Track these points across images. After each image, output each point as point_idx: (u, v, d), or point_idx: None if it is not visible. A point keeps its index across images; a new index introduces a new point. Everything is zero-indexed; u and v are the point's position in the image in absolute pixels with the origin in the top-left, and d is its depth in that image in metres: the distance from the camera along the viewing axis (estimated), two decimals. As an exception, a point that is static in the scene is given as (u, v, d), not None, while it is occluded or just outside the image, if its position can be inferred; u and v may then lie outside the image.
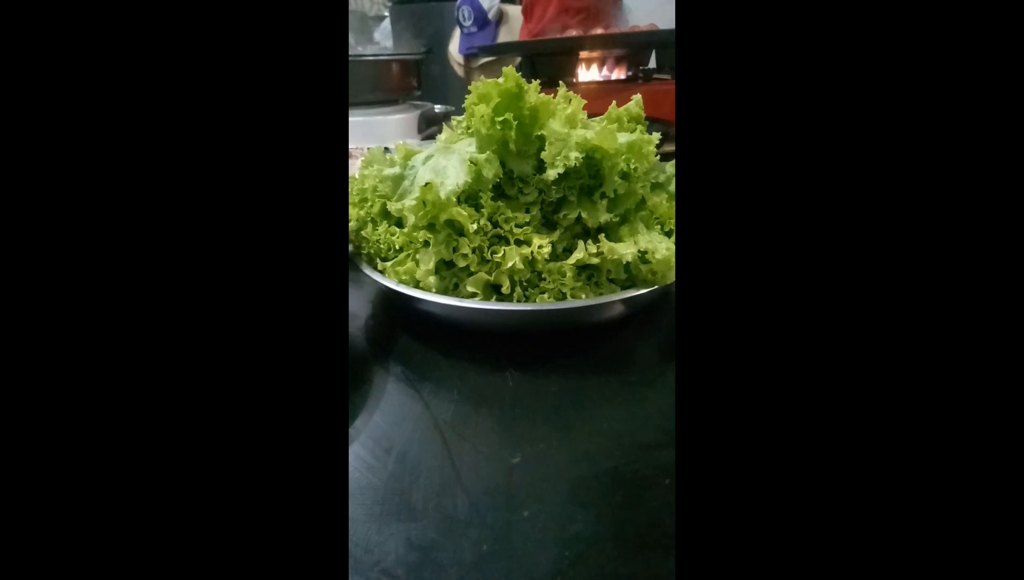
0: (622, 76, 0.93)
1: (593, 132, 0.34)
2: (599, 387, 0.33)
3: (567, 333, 0.37)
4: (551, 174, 0.34)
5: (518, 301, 0.35)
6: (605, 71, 0.96)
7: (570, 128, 0.38)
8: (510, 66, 0.34)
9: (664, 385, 0.33)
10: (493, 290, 0.35)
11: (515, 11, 1.88)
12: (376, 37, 2.86)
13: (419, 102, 1.13)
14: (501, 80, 0.34)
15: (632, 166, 0.35)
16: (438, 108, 1.19)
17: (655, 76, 0.92)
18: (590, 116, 0.87)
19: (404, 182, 0.38)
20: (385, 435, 0.29)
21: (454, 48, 2.02)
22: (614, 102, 0.41)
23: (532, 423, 0.30)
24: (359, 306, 0.44)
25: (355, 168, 0.70)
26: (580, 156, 0.33)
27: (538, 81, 0.38)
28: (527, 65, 0.96)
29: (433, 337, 0.38)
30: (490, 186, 0.35)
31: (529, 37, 1.71)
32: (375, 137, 0.92)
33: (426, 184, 0.33)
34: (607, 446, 0.28)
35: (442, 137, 0.44)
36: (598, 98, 0.91)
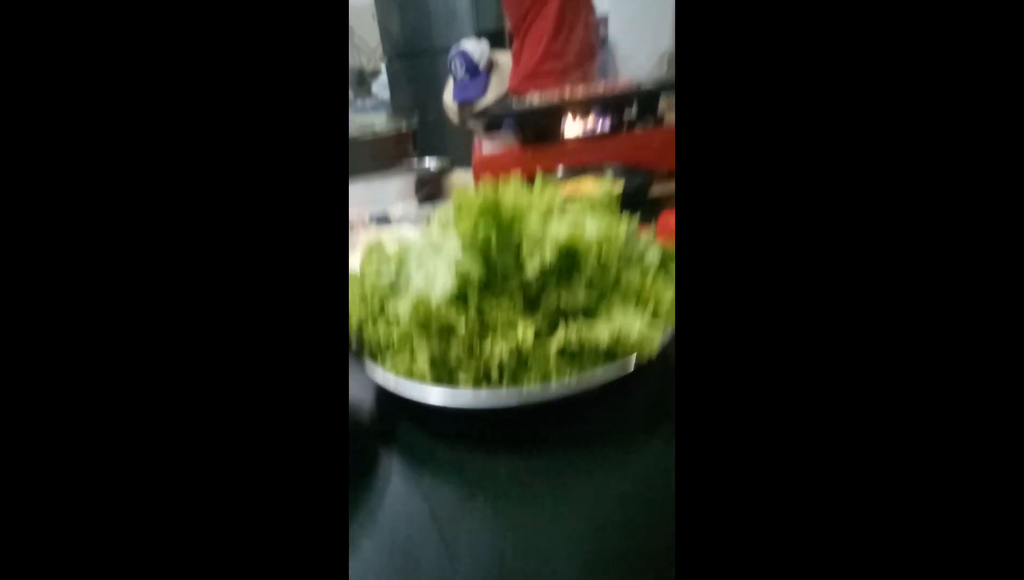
0: (606, 128, 0.98)
1: (567, 227, 0.38)
2: (587, 464, 0.35)
3: (552, 413, 0.40)
4: (529, 270, 0.37)
5: (507, 385, 0.38)
6: (590, 124, 1.00)
7: (547, 219, 0.41)
8: (486, 180, 0.38)
9: (647, 455, 0.36)
10: (484, 377, 0.38)
11: (505, 58, 1.97)
12: (374, 90, 2.99)
13: (414, 163, 1.18)
14: (478, 194, 0.37)
15: (603, 256, 0.38)
16: (432, 164, 1.25)
17: (636, 126, 0.96)
18: (578, 166, 0.91)
19: (398, 282, 0.41)
20: (387, 533, 0.32)
21: (448, 97, 2.11)
22: (590, 183, 0.44)
23: (524, 509, 0.33)
24: (364, 394, 0.47)
25: (354, 239, 0.75)
26: (554, 254, 0.37)
27: (519, 179, 0.42)
28: (515, 124, 1.01)
29: (432, 424, 0.41)
30: (476, 285, 0.38)
31: (516, 82, 1.78)
32: (375, 201, 0.98)
33: (418, 298, 0.36)
34: (597, 527, 0.30)
35: (434, 225, 0.48)
36: (584, 150, 0.96)
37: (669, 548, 0.28)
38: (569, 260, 0.39)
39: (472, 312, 0.38)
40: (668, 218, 0.66)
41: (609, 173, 0.87)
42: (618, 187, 0.84)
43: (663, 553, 0.29)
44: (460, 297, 0.38)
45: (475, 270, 0.38)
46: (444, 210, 0.49)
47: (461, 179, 1.22)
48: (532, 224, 0.38)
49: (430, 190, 1.08)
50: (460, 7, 2.65)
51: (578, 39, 1.61)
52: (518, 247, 0.38)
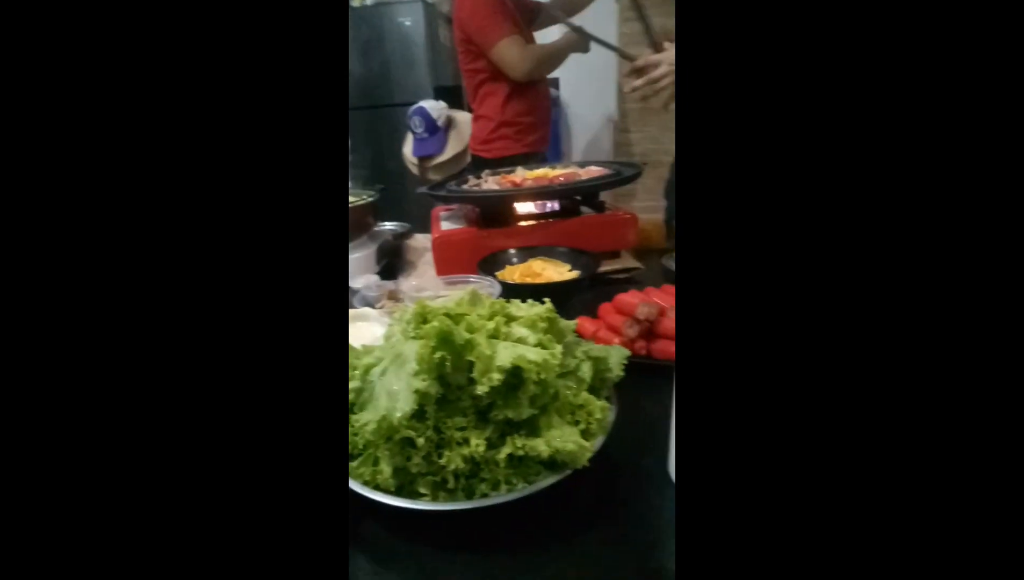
0: (556, 207, 1.08)
1: (511, 351, 0.44)
2: (537, 561, 0.41)
3: (503, 514, 0.45)
4: (479, 390, 0.43)
5: (462, 491, 0.44)
6: (541, 205, 1.10)
7: (495, 339, 0.48)
8: (441, 315, 0.44)
9: (588, 548, 0.42)
10: (442, 484, 0.44)
11: (463, 116, 2.08)
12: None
13: (375, 230, 1.24)
14: (436, 323, 0.44)
15: (542, 376, 0.45)
16: (393, 229, 1.31)
17: (581, 208, 1.07)
18: (530, 247, 0.98)
19: (364, 394, 0.47)
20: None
21: (408, 151, 2.19)
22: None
23: (476, 610, 0.38)
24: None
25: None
26: (501, 376, 0.43)
27: (473, 296, 0.48)
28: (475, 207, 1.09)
29: (394, 526, 0.45)
30: (433, 401, 0.44)
31: (474, 145, 1.89)
32: (337, 275, 1.02)
33: (382, 416, 0.41)
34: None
35: (391, 331, 0.54)
36: (536, 231, 1.04)
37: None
38: (514, 379, 0.46)
39: (430, 426, 0.44)
40: (607, 310, 0.74)
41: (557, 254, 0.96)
42: (565, 268, 0.93)
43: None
44: (419, 412, 0.44)
45: (432, 388, 0.44)
46: (403, 316, 0.55)
47: (421, 242, 1.28)
48: (482, 348, 0.45)
49: (391, 260, 1.13)
50: (418, 63, 2.78)
51: (531, 102, 1.73)
52: (469, 367, 0.45)
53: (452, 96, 2.43)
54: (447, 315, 0.48)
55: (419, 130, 2.15)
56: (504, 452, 0.44)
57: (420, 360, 0.44)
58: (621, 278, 1.00)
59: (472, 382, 0.45)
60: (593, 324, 0.73)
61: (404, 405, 0.42)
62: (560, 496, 0.47)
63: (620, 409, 0.51)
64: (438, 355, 0.43)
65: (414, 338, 0.47)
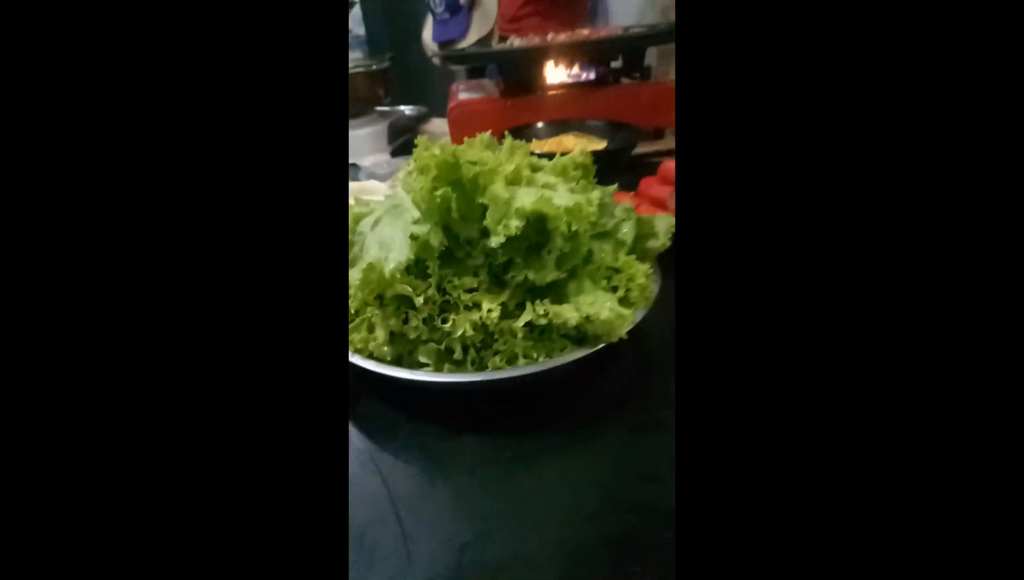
0: (591, 77, 0.92)
1: (535, 195, 0.35)
2: (553, 446, 0.34)
3: (519, 393, 0.38)
4: (494, 241, 0.34)
5: (472, 364, 0.36)
6: (575, 70, 0.94)
7: (514, 185, 0.38)
8: (443, 141, 0.34)
9: (612, 437, 0.35)
10: (447, 354, 0.36)
11: (488, -8, 1.83)
12: (349, 25, 2.78)
13: (388, 108, 1.11)
14: (438, 151, 0.34)
15: (574, 227, 0.35)
16: (409, 111, 1.18)
17: (623, 78, 0.91)
18: (561, 120, 0.86)
19: (354, 249, 0.38)
20: (343, 517, 0.30)
21: (428, 36, 1.97)
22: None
23: (486, 493, 0.31)
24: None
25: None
26: (520, 223, 0.34)
27: (486, 139, 0.38)
28: (496, 68, 0.94)
29: (393, 400, 0.39)
30: (436, 254, 0.35)
31: (500, 25, 1.67)
32: (344, 153, 0.92)
33: (369, 265, 0.33)
34: (557, 515, 0.30)
35: (394, 190, 0.44)
36: (566, 103, 0.90)
37: (631, 538, 0.27)
38: (537, 232, 0.36)
39: (433, 285, 0.35)
40: (651, 184, 0.63)
41: (591, 130, 0.83)
42: (600, 145, 0.80)
43: (624, 541, 0.28)
44: (418, 268, 0.36)
45: (434, 238, 0.35)
46: (410, 166, 0.45)
47: (439, 127, 1.15)
48: (497, 189, 0.35)
49: (405, 140, 1.02)
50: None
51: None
52: (483, 214, 0.35)
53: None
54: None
55: (439, 10, 1.91)
56: (523, 320, 0.35)
57: (419, 200, 0.34)
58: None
59: (485, 234, 0.35)
60: (633, 200, 0.62)
61: (398, 254, 0.34)
62: (588, 374, 0.40)
63: (665, 285, 0.42)
64: (440, 193, 0.34)
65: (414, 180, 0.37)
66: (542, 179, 0.39)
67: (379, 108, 1.04)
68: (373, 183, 0.72)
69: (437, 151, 0.34)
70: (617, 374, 0.40)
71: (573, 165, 0.40)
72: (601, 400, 0.38)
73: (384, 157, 0.86)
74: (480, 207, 0.35)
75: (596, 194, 0.37)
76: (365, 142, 0.92)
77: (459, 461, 0.34)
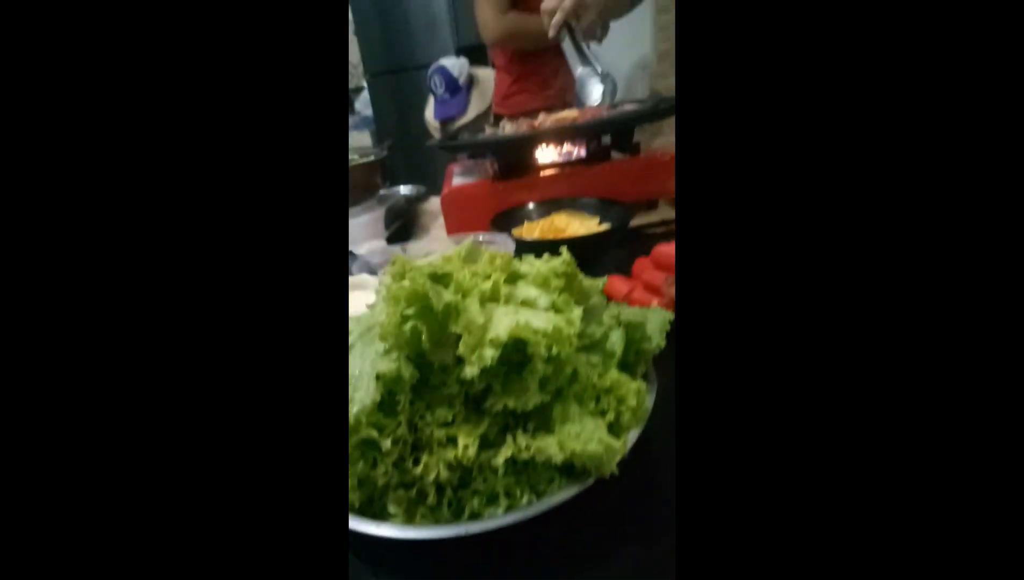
0: (582, 154, 0.93)
1: (511, 320, 0.32)
2: (541, 608, 0.30)
3: (503, 542, 0.34)
4: (468, 372, 0.32)
5: (448, 506, 0.33)
6: (565, 149, 0.95)
7: (494, 300, 0.36)
8: (398, 257, 0.32)
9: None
10: (419, 498, 0.33)
11: (486, 73, 1.92)
12: (356, 107, 2.95)
13: (385, 192, 1.13)
14: (407, 283, 0.32)
15: (554, 351, 0.32)
16: (406, 190, 1.20)
17: (612, 153, 0.91)
18: (552, 200, 0.85)
19: (323, 378, 0.36)
20: None
21: (430, 114, 2.06)
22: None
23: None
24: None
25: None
26: (496, 353, 0.31)
27: (469, 250, 0.37)
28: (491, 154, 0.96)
29: (360, 552, 0.35)
30: (408, 387, 0.33)
31: (495, 102, 1.74)
32: (342, 241, 0.92)
33: (330, 409, 0.30)
34: None
35: (377, 302, 0.43)
36: (559, 180, 0.90)
37: None
38: (518, 352, 0.34)
39: (403, 423, 0.32)
40: (644, 266, 0.61)
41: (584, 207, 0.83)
42: (592, 222, 0.79)
43: None
44: (389, 400, 0.33)
45: (405, 371, 0.32)
46: (387, 280, 0.44)
47: (437, 206, 1.17)
48: (471, 316, 0.33)
49: (402, 224, 1.03)
50: (440, 22, 2.61)
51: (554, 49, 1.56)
52: (456, 340, 0.33)
53: (477, 55, 2.27)
54: (432, 275, 0.36)
55: (440, 91, 2.01)
56: (503, 455, 0.32)
57: (388, 333, 0.32)
58: (660, 233, 0.85)
59: (461, 360, 0.33)
60: (627, 284, 0.60)
61: (364, 397, 0.31)
62: (580, 513, 0.36)
63: (662, 389, 0.38)
64: (410, 326, 0.32)
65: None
66: (522, 293, 0.37)
67: (376, 195, 1.06)
68: (364, 277, 0.71)
69: (407, 282, 0.32)
70: (617, 506, 0.36)
71: (555, 274, 0.38)
72: (599, 541, 0.34)
73: (380, 244, 0.86)
74: (454, 336, 0.33)
75: (578, 314, 0.35)
76: (361, 229, 0.93)
77: (435, 629, 0.30)
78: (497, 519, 0.30)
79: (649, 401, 0.37)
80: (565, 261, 0.39)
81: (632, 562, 0.32)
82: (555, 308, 0.36)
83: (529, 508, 0.31)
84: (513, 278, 0.40)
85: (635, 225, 0.83)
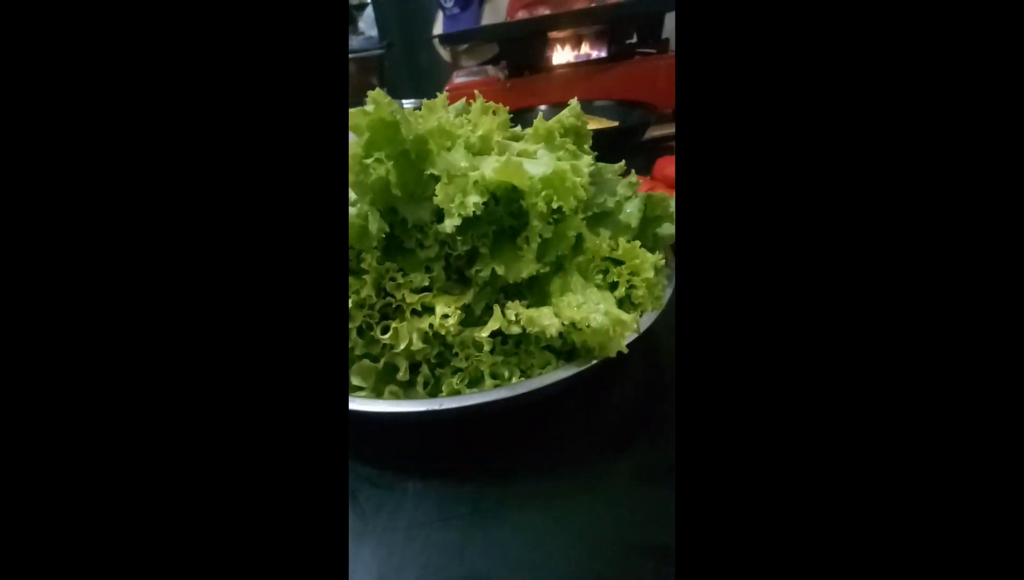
0: (602, 54, 0.83)
1: (503, 163, 0.26)
2: (524, 501, 0.25)
3: (485, 425, 0.29)
4: (448, 225, 0.26)
5: (425, 385, 0.28)
6: (583, 49, 0.85)
7: (483, 153, 0.29)
8: (376, 89, 0.26)
9: (613, 485, 0.26)
10: (389, 372, 0.28)
11: (499, -14, 1.76)
12: (361, 27, 2.76)
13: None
14: (370, 107, 0.25)
15: (555, 204, 0.26)
16: (409, 104, 1.11)
17: (637, 51, 0.81)
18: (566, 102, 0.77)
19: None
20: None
21: (439, 31, 1.92)
22: (540, 115, 0.32)
23: (424, 569, 0.23)
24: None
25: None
26: (480, 200, 0.25)
27: (442, 103, 0.30)
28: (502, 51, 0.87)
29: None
30: (374, 243, 0.27)
31: (510, 14, 1.60)
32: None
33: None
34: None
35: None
36: (573, 81, 0.81)
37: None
38: (510, 214, 0.28)
39: (369, 283, 0.27)
40: (667, 164, 0.53)
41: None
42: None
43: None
44: (354, 262, 0.27)
45: (372, 223, 0.26)
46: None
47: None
48: (452, 157, 0.27)
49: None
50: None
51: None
52: (433, 195, 0.27)
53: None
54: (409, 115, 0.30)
55: (449, 5, 1.86)
56: (489, 328, 0.27)
57: (353, 173, 0.26)
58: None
59: (441, 218, 0.27)
60: (646, 183, 0.53)
61: (319, 244, 0.25)
62: (578, 398, 0.31)
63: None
64: (376, 164, 0.25)
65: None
66: (519, 148, 0.31)
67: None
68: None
69: (370, 108, 0.26)
70: (616, 400, 0.31)
71: (561, 129, 0.32)
72: (593, 436, 0.29)
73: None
74: (431, 181, 0.27)
75: (587, 161, 0.28)
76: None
77: (395, 518, 0.25)
78: (478, 395, 0.25)
79: (667, 285, 0.31)
80: (573, 112, 0.32)
81: (634, 466, 0.27)
82: (557, 161, 0.29)
83: (517, 388, 0.26)
84: (513, 138, 0.33)
85: (655, 136, 0.75)
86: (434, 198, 0.26)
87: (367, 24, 2.71)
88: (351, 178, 0.26)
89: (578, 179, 0.26)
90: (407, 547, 0.24)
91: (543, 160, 0.28)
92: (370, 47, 0.91)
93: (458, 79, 0.84)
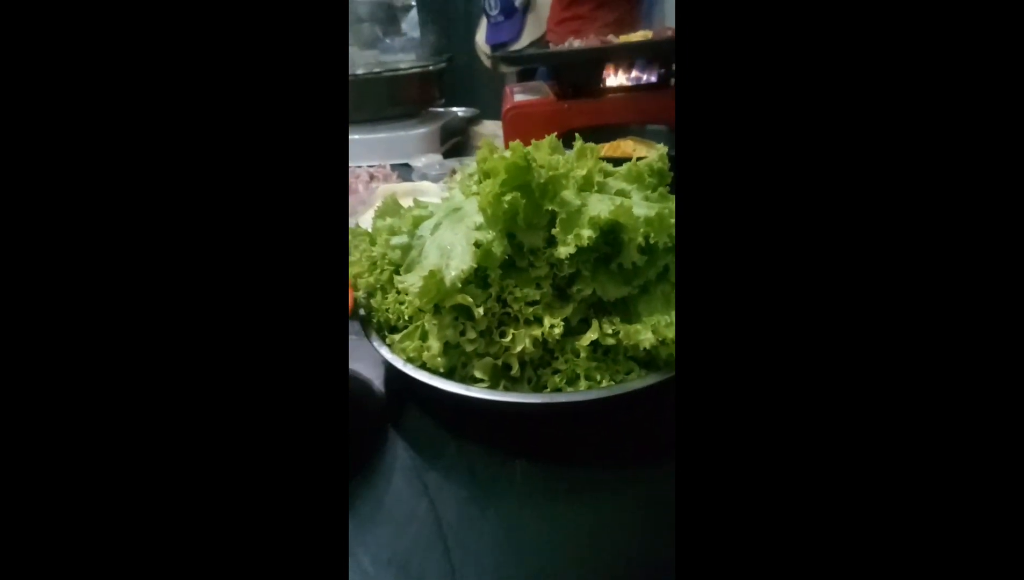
0: (652, 79, 0.88)
1: (610, 204, 0.32)
2: (611, 482, 0.31)
3: (579, 419, 0.35)
4: (562, 252, 0.31)
5: (529, 382, 0.33)
6: (634, 74, 0.90)
7: (586, 190, 0.35)
8: (516, 141, 0.31)
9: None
10: (503, 370, 0.34)
11: (544, -5, 1.81)
12: (404, 28, 2.83)
13: (441, 109, 1.10)
14: (508, 153, 0.31)
15: (652, 241, 0.32)
16: (461, 112, 1.17)
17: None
18: (619, 125, 0.82)
19: (412, 252, 0.36)
20: (388, 542, 0.28)
21: (481, 39, 1.97)
22: (634, 158, 0.37)
23: (539, 529, 0.29)
24: (371, 371, 0.43)
25: (378, 191, 0.69)
26: (594, 234, 0.31)
27: (554, 142, 0.36)
28: (551, 73, 0.92)
29: (442, 415, 0.37)
30: (499, 263, 0.33)
31: (548, 28, 1.64)
32: (397, 153, 0.91)
33: (430, 272, 0.31)
34: (618, 554, 0.26)
35: (454, 189, 0.42)
36: (627, 104, 0.87)
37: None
38: (608, 243, 0.33)
39: (493, 296, 0.33)
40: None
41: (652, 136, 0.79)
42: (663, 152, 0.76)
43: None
44: (479, 277, 0.33)
45: (498, 246, 0.32)
46: (470, 168, 0.43)
47: (490, 129, 1.14)
48: (568, 196, 0.32)
49: (456, 142, 1.01)
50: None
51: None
52: (550, 221, 0.32)
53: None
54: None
55: (494, 12, 1.91)
56: (588, 338, 0.32)
57: (484, 205, 0.32)
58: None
59: (551, 243, 0.33)
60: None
61: (460, 262, 0.31)
62: (656, 403, 0.36)
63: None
64: (508, 199, 0.31)
65: (479, 187, 0.35)
66: (615, 185, 0.36)
67: (431, 109, 1.03)
68: (426, 184, 0.71)
69: (508, 153, 0.31)
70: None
71: (649, 171, 0.37)
72: (668, 433, 0.35)
73: (436, 158, 0.85)
74: (548, 214, 0.33)
75: (672, 204, 0.34)
76: (418, 143, 0.91)
77: (509, 489, 0.31)
78: (577, 394, 0.31)
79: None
80: (660, 157, 0.38)
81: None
82: (649, 201, 0.35)
83: (614, 388, 0.31)
84: (605, 173, 0.39)
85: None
86: (552, 230, 0.32)
87: (410, 26, 2.79)
88: (488, 211, 0.32)
89: (671, 220, 0.32)
90: (520, 512, 0.30)
91: (640, 202, 0.33)
92: (432, 63, 0.97)
93: (517, 97, 0.89)
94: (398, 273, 0.37)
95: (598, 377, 0.33)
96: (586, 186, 0.35)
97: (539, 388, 0.33)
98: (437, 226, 0.36)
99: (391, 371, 0.43)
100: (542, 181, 0.31)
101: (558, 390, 0.32)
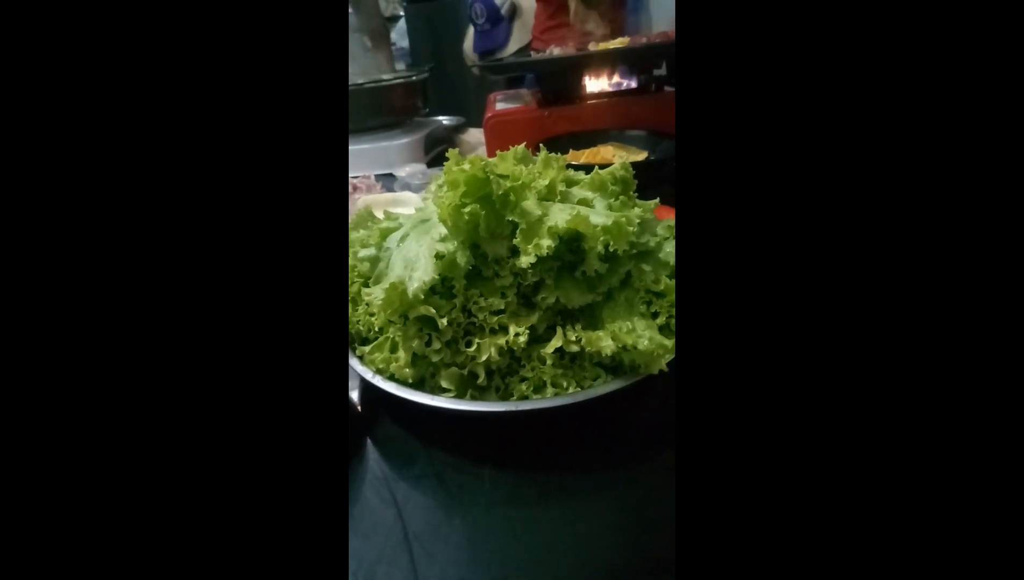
0: (632, 84, 0.89)
1: (569, 213, 0.32)
2: (580, 487, 0.31)
3: (545, 425, 0.35)
4: (523, 261, 0.32)
5: (496, 391, 0.34)
6: (615, 78, 0.91)
7: (548, 199, 0.36)
8: (475, 154, 0.32)
9: (646, 483, 0.31)
10: (470, 379, 0.34)
11: (528, 3, 1.82)
12: (393, 37, 2.84)
13: (426, 119, 1.11)
14: (467, 166, 0.32)
15: (612, 248, 0.32)
16: (447, 121, 1.18)
17: (665, 86, 0.87)
18: (602, 130, 0.83)
19: (380, 264, 0.37)
20: (354, 552, 0.29)
21: (469, 46, 1.98)
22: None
23: (505, 536, 0.29)
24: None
25: (359, 202, 0.70)
26: (552, 244, 0.31)
27: (521, 152, 0.36)
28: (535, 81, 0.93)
29: (413, 425, 0.37)
30: (463, 273, 0.33)
31: (533, 36, 1.66)
32: (381, 163, 0.92)
33: (391, 284, 0.31)
34: (581, 569, 0.27)
35: (425, 204, 0.43)
36: (607, 110, 0.87)
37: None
38: (571, 251, 0.34)
39: (458, 306, 0.33)
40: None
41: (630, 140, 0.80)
42: (640, 156, 0.76)
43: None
44: (444, 287, 0.34)
45: (461, 256, 0.33)
46: (440, 179, 0.44)
47: (476, 137, 1.15)
48: (529, 206, 0.33)
49: (441, 150, 1.01)
50: (485, -55, 2.46)
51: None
52: (513, 232, 0.33)
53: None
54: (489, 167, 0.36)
55: (480, 20, 1.92)
56: (553, 345, 0.33)
57: (445, 217, 0.32)
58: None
59: (515, 253, 0.33)
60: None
61: (423, 274, 0.32)
62: (622, 408, 0.37)
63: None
64: (469, 210, 0.32)
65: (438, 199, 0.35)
66: (578, 194, 0.37)
67: (417, 118, 1.04)
68: (407, 194, 0.71)
69: (467, 165, 0.32)
70: (655, 409, 0.37)
71: (612, 179, 0.38)
72: (636, 438, 0.35)
73: (420, 167, 0.85)
74: (510, 225, 0.33)
75: (637, 212, 0.34)
76: (401, 152, 0.92)
77: (477, 497, 0.31)
78: (542, 401, 0.32)
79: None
80: (623, 166, 0.38)
81: (669, 463, 0.33)
82: (611, 210, 0.35)
83: (577, 394, 0.32)
84: (569, 182, 0.39)
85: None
86: (514, 240, 0.32)
87: (399, 35, 2.80)
88: (449, 222, 0.32)
89: (630, 228, 0.33)
90: (487, 518, 0.30)
91: (600, 210, 0.34)
92: (415, 72, 0.98)
93: (498, 105, 0.90)
94: (367, 285, 0.37)
95: (564, 383, 0.33)
96: (548, 196, 0.36)
97: (506, 396, 0.34)
98: (404, 237, 0.37)
99: (364, 383, 0.43)
100: (501, 192, 0.32)
101: (525, 398, 0.33)
